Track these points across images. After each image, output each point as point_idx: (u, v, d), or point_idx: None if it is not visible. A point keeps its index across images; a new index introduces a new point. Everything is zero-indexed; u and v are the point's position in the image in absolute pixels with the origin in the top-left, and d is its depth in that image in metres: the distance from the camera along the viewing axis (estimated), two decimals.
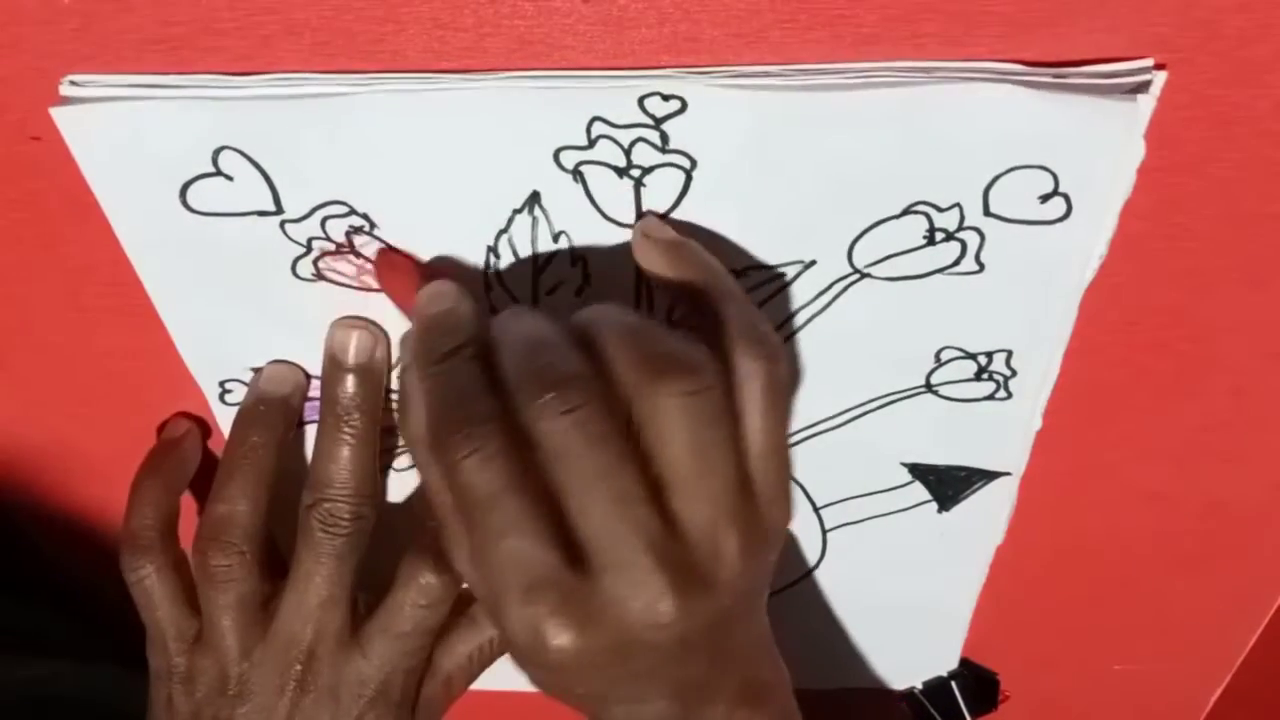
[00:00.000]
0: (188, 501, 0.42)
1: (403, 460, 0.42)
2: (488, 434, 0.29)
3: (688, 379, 0.29)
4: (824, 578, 0.48)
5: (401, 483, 0.43)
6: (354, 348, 0.37)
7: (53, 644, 0.49)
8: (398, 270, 0.35)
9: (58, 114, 0.31)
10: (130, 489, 0.40)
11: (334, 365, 0.37)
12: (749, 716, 0.32)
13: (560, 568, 0.29)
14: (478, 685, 0.42)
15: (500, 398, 0.30)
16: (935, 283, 0.35)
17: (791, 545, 0.46)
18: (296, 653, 0.38)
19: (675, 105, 0.31)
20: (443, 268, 0.35)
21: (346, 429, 0.38)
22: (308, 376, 0.40)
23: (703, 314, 0.32)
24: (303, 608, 0.38)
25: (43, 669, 0.45)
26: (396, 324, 0.37)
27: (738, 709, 0.32)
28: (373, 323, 0.37)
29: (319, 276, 0.36)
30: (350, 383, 0.37)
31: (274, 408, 0.39)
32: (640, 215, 0.34)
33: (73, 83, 0.31)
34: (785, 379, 0.32)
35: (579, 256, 0.35)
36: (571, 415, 0.29)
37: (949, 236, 0.34)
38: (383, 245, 0.35)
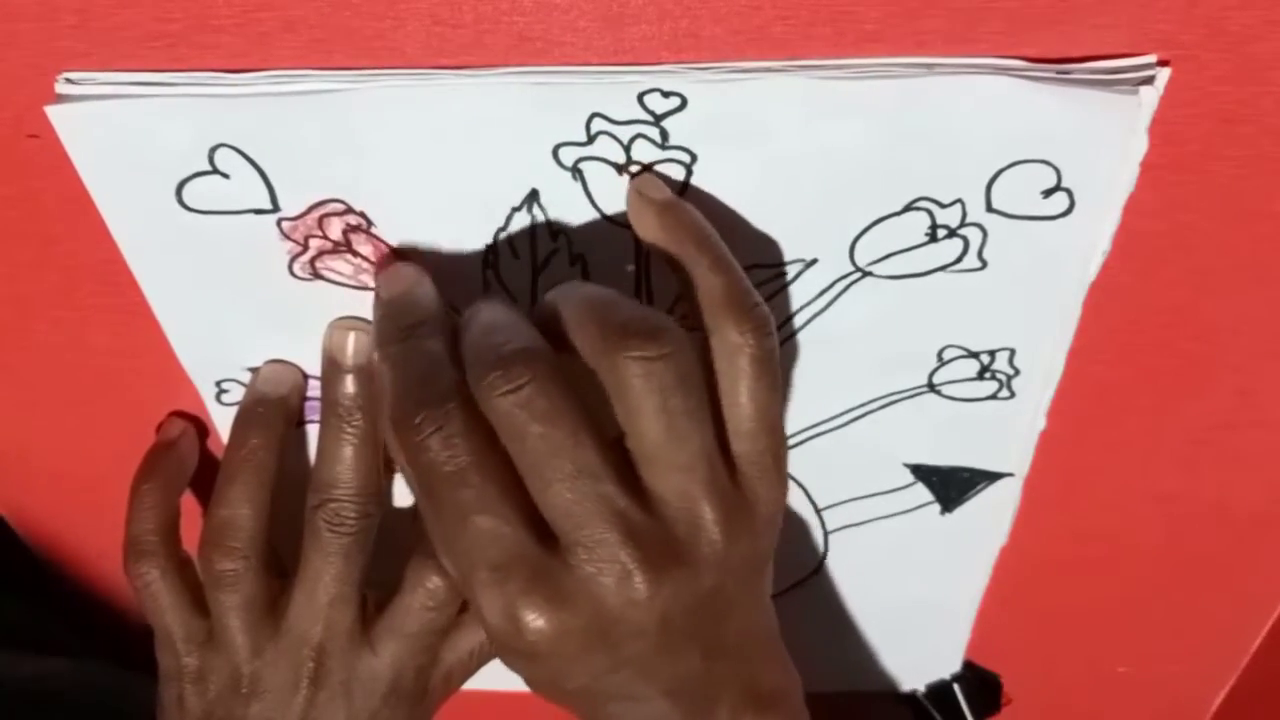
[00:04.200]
0: (191, 502, 0.42)
1: None
2: (450, 412, 0.29)
3: (647, 344, 0.29)
4: (826, 580, 0.48)
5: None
6: (352, 348, 0.37)
7: (49, 642, 0.49)
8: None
9: (52, 112, 0.31)
10: (129, 494, 0.40)
11: (333, 366, 0.37)
12: None
13: (530, 545, 0.29)
14: (478, 685, 0.42)
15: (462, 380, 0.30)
16: (937, 280, 0.35)
17: (794, 547, 0.46)
18: (308, 650, 0.38)
19: (675, 102, 0.31)
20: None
21: (349, 429, 0.37)
22: (305, 376, 0.39)
23: (693, 284, 0.31)
24: (312, 606, 0.38)
25: (40, 666, 0.45)
26: None
27: (743, 714, 0.32)
28: (370, 322, 0.37)
29: (316, 275, 0.36)
30: (350, 383, 0.37)
31: (273, 408, 0.39)
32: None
33: (68, 80, 0.31)
34: (774, 352, 0.31)
35: (578, 255, 0.35)
36: (517, 393, 0.29)
37: (951, 233, 0.34)
38: (380, 244, 0.35)
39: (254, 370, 0.39)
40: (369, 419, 0.38)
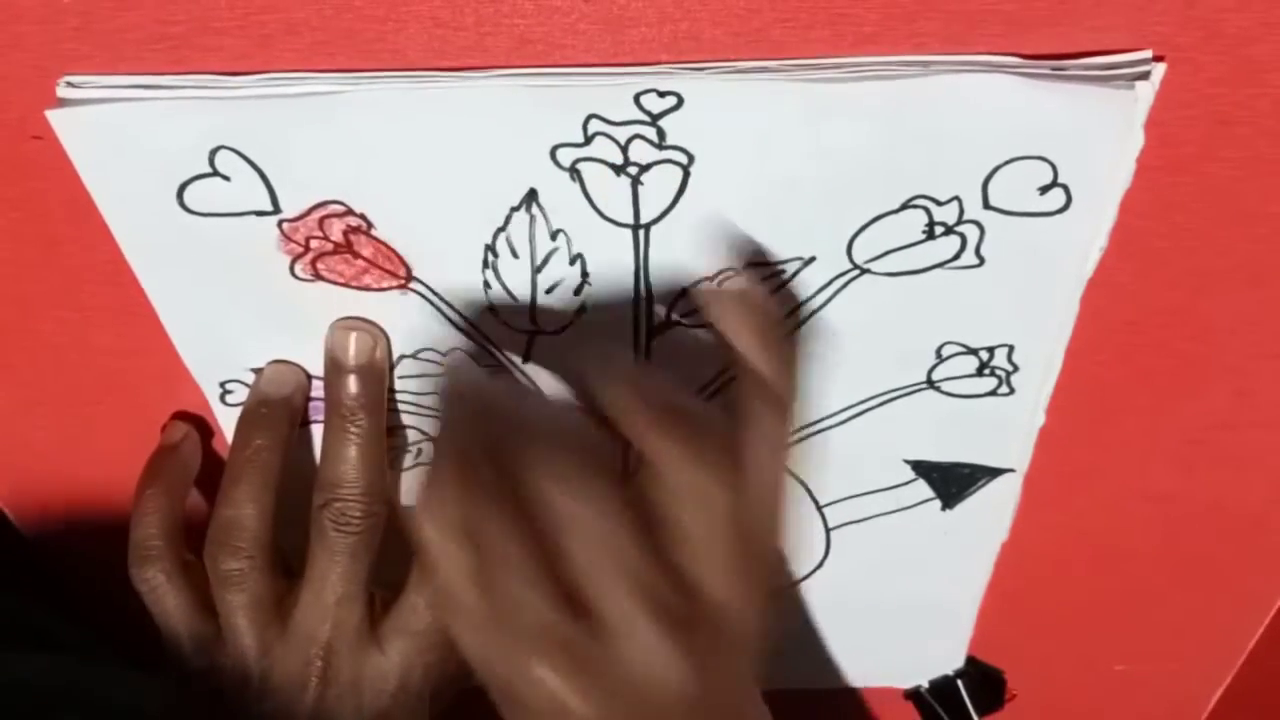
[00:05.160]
0: (195, 501, 0.42)
1: (408, 459, 0.42)
2: (498, 507, 0.30)
3: (699, 440, 0.30)
4: (828, 577, 0.48)
5: (411, 480, 0.43)
6: (354, 349, 0.37)
7: (55, 641, 0.49)
8: None
9: (53, 116, 0.31)
10: (134, 498, 0.40)
11: (335, 367, 0.37)
12: None
13: (576, 631, 0.30)
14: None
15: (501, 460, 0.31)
16: (936, 277, 0.35)
17: (795, 544, 0.46)
18: (316, 649, 0.39)
19: (671, 101, 0.31)
20: None
21: (353, 429, 0.38)
22: (309, 376, 0.40)
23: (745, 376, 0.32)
24: (320, 605, 0.39)
25: (46, 665, 0.45)
26: (394, 324, 0.37)
27: None
28: (371, 322, 0.37)
29: (317, 277, 0.36)
30: (353, 383, 0.37)
31: (276, 409, 0.39)
32: (638, 213, 0.34)
33: (70, 84, 0.31)
34: (793, 422, 0.33)
35: (577, 255, 0.35)
36: (584, 506, 0.30)
37: (949, 230, 0.34)
38: (380, 245, 0.35)
39: (257, 371, 0.39)
40: (373, 419, 0.38)
